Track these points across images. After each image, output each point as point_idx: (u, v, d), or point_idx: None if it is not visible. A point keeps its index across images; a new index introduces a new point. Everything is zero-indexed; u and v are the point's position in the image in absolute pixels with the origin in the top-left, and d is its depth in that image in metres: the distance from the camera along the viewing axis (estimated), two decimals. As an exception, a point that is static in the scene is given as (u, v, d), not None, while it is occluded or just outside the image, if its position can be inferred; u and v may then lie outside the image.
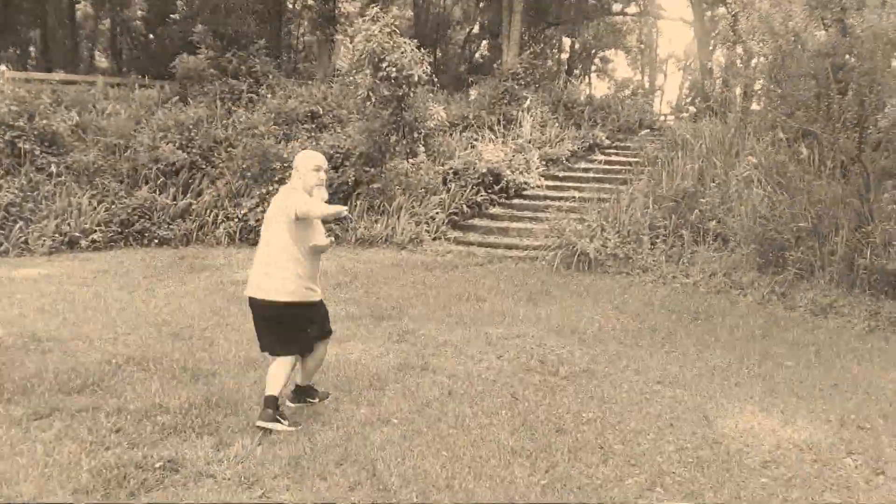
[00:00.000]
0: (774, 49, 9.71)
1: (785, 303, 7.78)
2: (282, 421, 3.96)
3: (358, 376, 4.93)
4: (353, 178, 11.59)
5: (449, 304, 7.36)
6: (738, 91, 14.08)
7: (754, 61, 12.78)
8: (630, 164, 13.54)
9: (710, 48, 20.80)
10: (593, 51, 30.79)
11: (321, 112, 13.33)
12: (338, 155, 11.76)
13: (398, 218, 11.33)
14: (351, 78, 12.57)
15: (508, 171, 13.17)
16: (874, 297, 7.56)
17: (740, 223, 9.14)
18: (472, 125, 14.99)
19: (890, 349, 6.21)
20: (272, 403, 3.95)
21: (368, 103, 11.95)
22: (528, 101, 15.61)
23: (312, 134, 12.52)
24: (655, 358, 5.68)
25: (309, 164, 4.01)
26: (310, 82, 15.55)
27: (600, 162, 14.88)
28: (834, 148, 8.80)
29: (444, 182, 12.47)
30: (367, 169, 11.83)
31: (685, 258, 9.33)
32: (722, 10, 20.37)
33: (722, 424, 4.31)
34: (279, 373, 4.00)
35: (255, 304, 4.03)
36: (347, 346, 5.72)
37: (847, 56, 8.89)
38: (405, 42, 11.75)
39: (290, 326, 4.01)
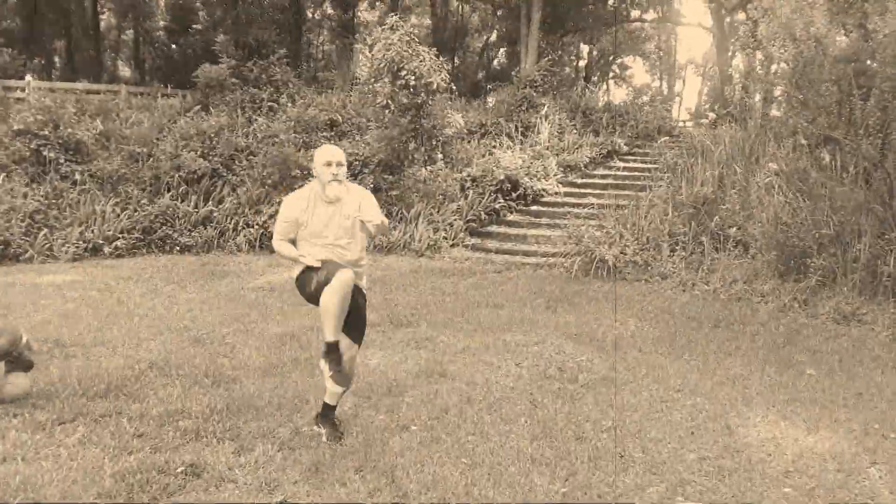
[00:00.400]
0: (795, 55, 9.65)
1: (807, 310, 7.68)
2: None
3: (377, 383, 4.95)
4: (372, 186, 11.65)
5: (467, 310, 7.36)
6: (757, 97, 13.97)
7: (774, 67, 12.71)
8: (649, 170, 13.48)
9: (730, 54, 20.69)
10: (611, 57, 30.78)
11: (340, 120, 13.44)
12: (357, 162, 11.85)
13: (416, 225, 11.37)
14: (370, 86, 12.66)
15: (526, 178, 13.16)
16: (898, 304, 7.46)
17: (761, 230, 9.04)
18: (490, 132, 15.04)
19: (915, 358, 6.11)
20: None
21: (387, 111, 12.02)
22: (545, 108, 15.63)
23: (332, 142, 12.62)
24: (675, 366, 5.63)
25: (319, 160, 3.89)
26: (329, 91, 15.70)
27: (619, 168, 14.83)
28: (856, 154, 8.70)
29: (462, 189, 12.51)
30: (386, 176, 11.90)
31: (705, 265, 9.24)
32: (741, 15, 20.25)
33: (743, 433, 4.27)
34: None
35: None
36: (366, 352, 5.73)
37: (869, 61, 8.81)
38: (424, 50, 11.82)
39: None
